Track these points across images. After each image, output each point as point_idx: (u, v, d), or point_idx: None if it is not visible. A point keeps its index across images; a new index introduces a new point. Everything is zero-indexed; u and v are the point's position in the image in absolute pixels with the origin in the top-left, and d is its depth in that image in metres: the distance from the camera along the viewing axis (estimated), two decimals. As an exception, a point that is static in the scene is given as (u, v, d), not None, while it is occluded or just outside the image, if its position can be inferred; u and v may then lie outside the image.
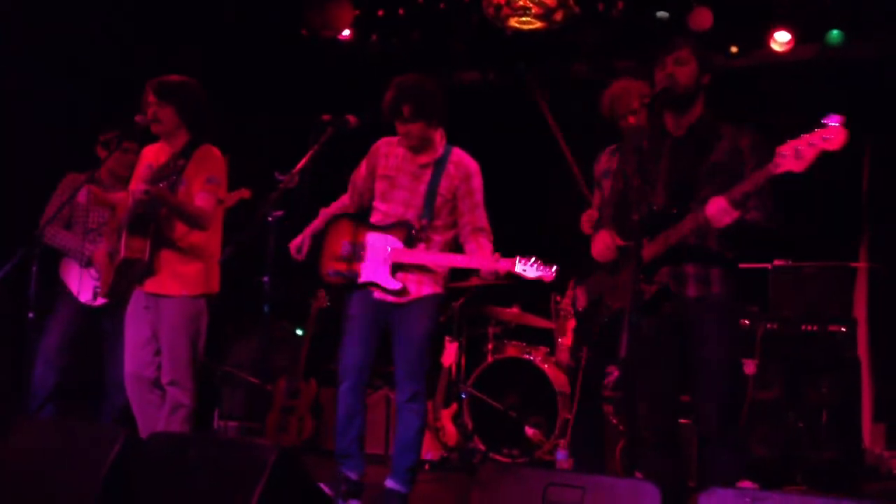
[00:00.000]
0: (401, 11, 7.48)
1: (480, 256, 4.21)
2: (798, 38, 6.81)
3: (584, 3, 6.82)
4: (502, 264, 4.12)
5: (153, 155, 4.50)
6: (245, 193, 5.47)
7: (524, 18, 6.69)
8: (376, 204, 4.43)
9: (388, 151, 4.43)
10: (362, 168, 4.52)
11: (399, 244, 4.28)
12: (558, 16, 6.65)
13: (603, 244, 3.63)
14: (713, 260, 3.46)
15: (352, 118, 4.32)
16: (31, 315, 4.22)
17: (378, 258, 4.30)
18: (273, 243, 4.12)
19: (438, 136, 4.38)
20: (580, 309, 3.91)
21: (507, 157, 7.63)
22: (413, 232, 4.28)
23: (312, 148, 4.21)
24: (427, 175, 4.33)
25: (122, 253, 4.24)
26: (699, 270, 3.46)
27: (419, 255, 4.25)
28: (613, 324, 3.61)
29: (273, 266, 4.60)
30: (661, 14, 6.97)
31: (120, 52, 6.07)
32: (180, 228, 4.35)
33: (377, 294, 4.30)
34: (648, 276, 3.46)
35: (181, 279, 4.36)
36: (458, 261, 4.29)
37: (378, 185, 4.42)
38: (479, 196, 4.36)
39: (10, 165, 5.62)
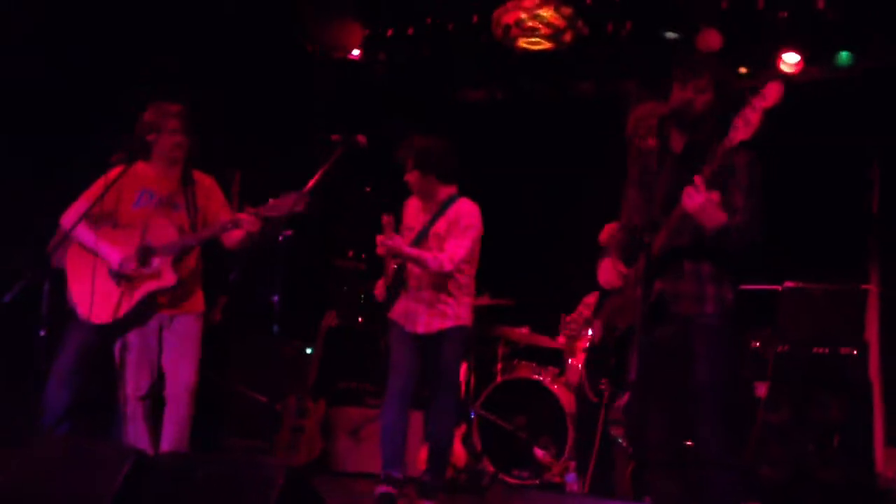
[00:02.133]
0: (409, 31, 7.51)
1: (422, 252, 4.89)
2: (807, 60, 6.82)
3: (592, 23, 6.84)
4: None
5: (152, 183, 4.48)
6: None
7: (533, 39, 6.72)
8: None
9: (412, 205, 5.19)
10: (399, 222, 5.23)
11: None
12: (567, 36, 6.67)
13: (607, 270, 3.69)
14: (708, 279, 3.47)
15: (361, 138, 4.36)
16: (42, 333, 4.22)
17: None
18: (283, 263, 4.13)
19: (442, 190, 5.05)
20: (596, 342, 3.91)
21: (513, 175, 7.66)
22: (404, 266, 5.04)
23: (322, 167, 4.23)
24: (428, 218, 5.05)
25: (172, 279, 4.32)
26: (695, 289, 3.47)
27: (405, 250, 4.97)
28: (623, 344, 3.61)
29: (283, 285, 4.64)
30: (671, 35, 6.98)
31: (129, 69, 6.09)
32: (197, 251, 4.51)
33: (408, 328, 5.03)
34: (646, 290, 3.45)
35: (197, 297, 4.51)
36: (411, 250, 4.93)
37: (404, 235, 5.07)
38: (462, 230, 4.95)
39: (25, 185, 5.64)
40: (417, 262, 4.86)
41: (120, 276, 4.39)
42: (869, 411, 5.54)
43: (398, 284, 5.02)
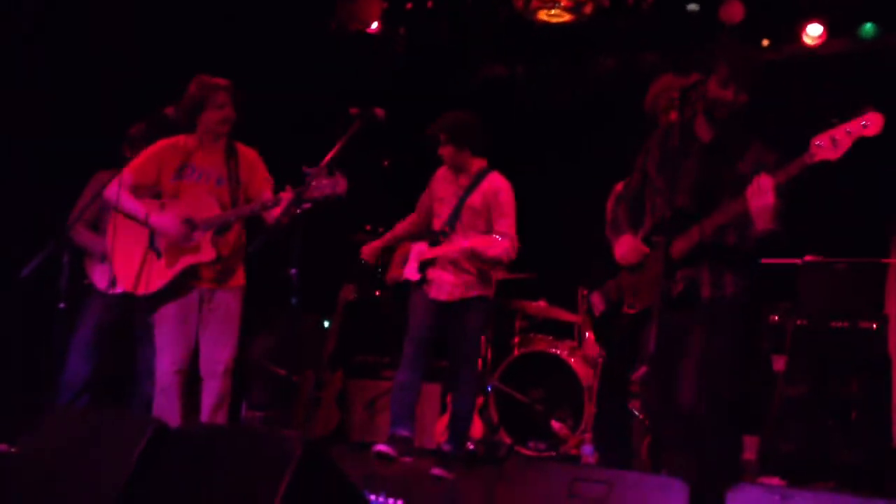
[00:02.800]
0: (429, 4, 7.47)
1: (477, 239, 5.02)
2: (830, 32, 6.74)
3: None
4: (466, 241, 5.05)
5: (197, 159, 4.47)
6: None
7: (553, 11, 6.66)
8: (434, 221, 5.29)
9: (442, 176, 5.32)
10: (426, 192, 5.39)
11: (424, 247, 5.21)
12: (588, 8, 6.61)
13: (627, 246, 3.66)
14: (729, 263, 3.49)
15: (379, 111, 4.33)
16: (61, 306, 4.25)
17: (413, 260, 5.24)
18: (301, 236, 4.13)
19: (475, 162, 5.21)
20: (597, 314, 3.92)
21: (532, 149, 7.63)
22: (437, 237, 5.18)
23: (340, 141, 4.22)
24: (462, 192, 5.16)
25: (212, 253, 4.34)
26: (714, 275, 3.49)
27: (435, 251, 5.13)
28: (638, 323, 3.62)
29: (301, 258, 4.61)
30: (692, 6, 6.91)
31: (147, 45, 6.10)
32: (243, 228, 4.54)
33: (433, 294, 5.13)
34: (670, 275, 3.47)
35: (238, 272, 4.51)
36: (463, 243, 5.04)
37: (435, 207, 5.30)
38: (506, 209, 5.09)
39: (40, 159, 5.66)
40: (475, 253, 4.98)
41: (161, 250, 4.41)
42: (887, 386, 5.51)
43: (429, 264, 5.15)
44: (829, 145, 3.09)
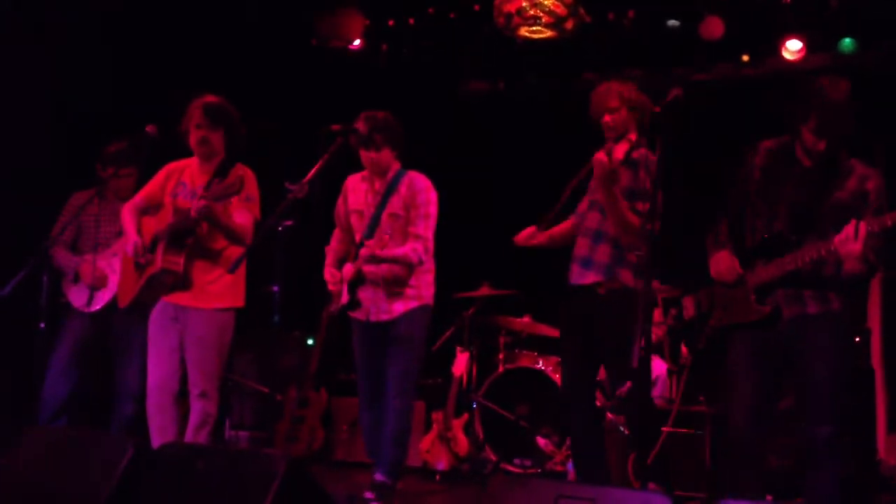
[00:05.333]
0: (411, 21, 7.49)
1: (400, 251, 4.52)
2: (810, 47, 6.79)
3: (594, 11, 6.82)
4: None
5: (187, 175, 4.50)
6: None
7: (535, 28, 6.69)
8: (354, 235, 4.74)
9: (353, 186, 4.78)
10: (340, 205, 4.81)
11: (349, 266, 4.62)
12: (569, 24, 6.64)
13: (724, 265, 3.73)
14: (829, 284, 3.57)
15: (361, 126, 4.33)
16: (41, 325, 4.22)
17: (344, 285, 4.65)
18: (283, 253, 4.12)
19: (393, 165, 4.71)
20: (686, 318, 3.97)
21: (515, 166, 7.64)
22: (356, 251, 4.58)
23: (322, 158, 4.22)
24: (380, 198, 4.67)
25: (160, 264, 4.29)
26: (817, 293, 3.57)
27: (355, 265, 4.57)
28: (719, 337, 3.75)
29: (283, 275, 4.61)
30: (673, 22, 6.96)
31: (126, 59, 6.09)
32: (219, 243, 4.44)
33: (371, 317, 4.61)
34: (761, 298, 3.60)
35: (212, 293, 4.42)
36: (386, 256, 4.53)
37: (352, 220, 4.74)
38: (424, 209, 4.64)
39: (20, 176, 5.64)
40: (398, 262, 4.56)
41: (140, 263, 4.43)
42: (871, 399, 5.53)
43: (357, 284, 4.63)
44: None
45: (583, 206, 4.55)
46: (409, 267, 4.59)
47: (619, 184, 4.18)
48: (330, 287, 4.64)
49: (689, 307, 3.95)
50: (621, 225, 4.20)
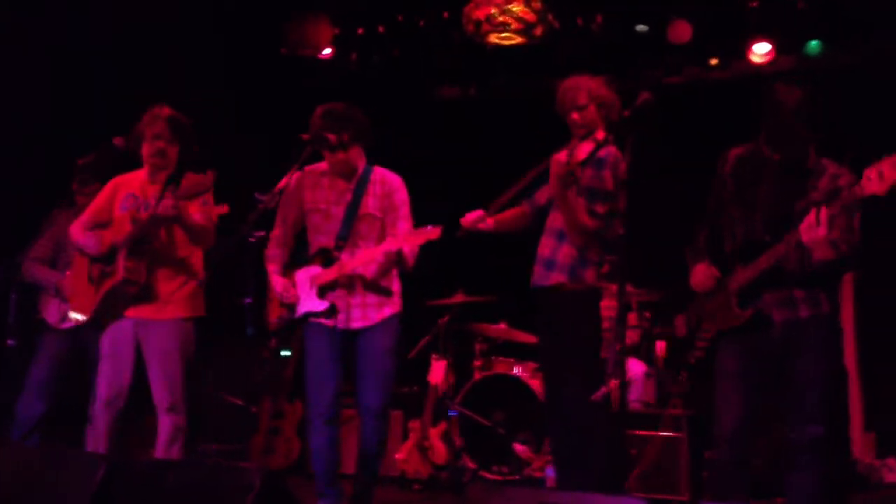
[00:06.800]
0: (380, 29, 7.48)
1: (384, 245, 4.21)
2: (777, 49, 6.85)
3: (563, 17, 6.84)
4: (393, 242, 4.19)
5: (137, 187, 4.45)
6: (223, 209, 5.44)
7: (504, 34, 6.70)
8: (310, 238, 4.48)
9: (314, 183, 4.46)
10: (291, 201, 4.48)
11: (318, 269, 4.35)
12: (538, 31, 6.66)
13: (702, 275, 3.75)
14: (817, 283, 3.58)
15: (332, 136, 4.30)
16: (10, 343, 4.17)
17: (306, 289, 4.37)
18: (254, 264, 4.08)
19: (360, 162, 4.44)
20: (679, 336, 3.99)
21: (488, 170, 7.63)
22: (329, 255, 4.35)
23: (292, 167, 4.19)
24: (348, 197, 4.39)
25: (121, 274, 4.24)
26: (807, 294, 3.58)
27: (337, 269, 4.31)
28: (711, 347, 3.75)
29: (255, 287, 4.54)
30: (641, 27, 7.00)
31: (100, 68, 6.04)
32: (180, 251, 4.39)
33: (340, 324, 4.34)
34: (744, 302, 3.61)
35: (175, 302, 4.38)
36: (368, 256, 4.27)
37: (311, 219, 4.46)
38: (403, 210, 4.43)
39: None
40: (401, 256, 4.27)
41: (93, 276, 4.40)
42: (845, 398, 5.56)
43: (329, 288, 4.36)
44: (876, 178, 3.18)
45: (542, 195, 4.48)
46: (388, 272, 4.40)
47: (577, 184, 4.16)
48: (283, 299, 4.38)
49: (680, 326, 3.97)
50: (574, 227, 4.19)
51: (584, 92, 4.34)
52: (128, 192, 4.45)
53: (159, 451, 4.28)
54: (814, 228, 3.32)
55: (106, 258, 4.36)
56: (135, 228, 4.28)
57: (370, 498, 4.45)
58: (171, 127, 4.38)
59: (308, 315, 4.36)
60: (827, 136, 3.63)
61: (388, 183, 4.44)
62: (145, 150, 4.40)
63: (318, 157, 4.39)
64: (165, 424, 4.30)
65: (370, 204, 4.39)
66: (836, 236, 3.39)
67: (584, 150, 4.22)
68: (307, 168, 4.46)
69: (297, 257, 4.50)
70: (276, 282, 4.40)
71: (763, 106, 3.64)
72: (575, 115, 4.35)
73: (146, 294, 4.31)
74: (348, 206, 4.37)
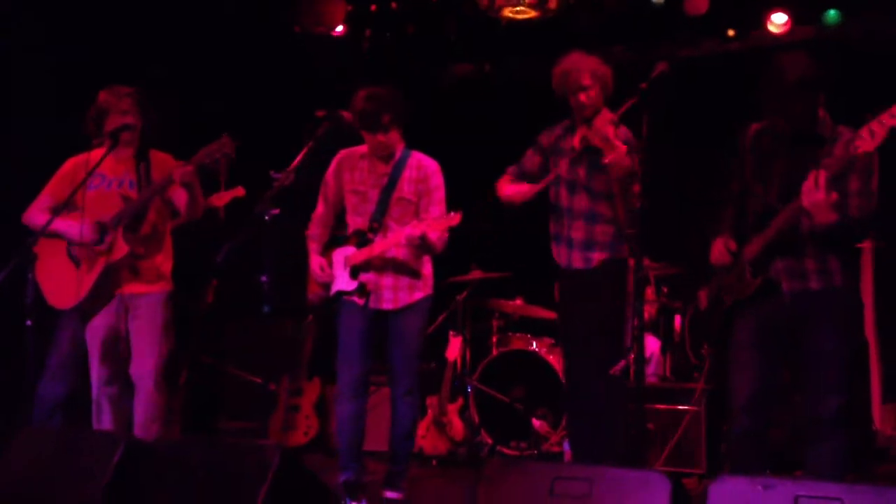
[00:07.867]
0: (394, 6, 7.44)
1: (407, 228, 4.26)
2: (795, 20, 6.77)
3: (577, -11, 6.79)
4: (416, 227, 4.23)
5: (104, 166, 4.39)
6: (240, 192, 5.44)
7: (518, 8, 6.66)
8: (348, 219, 4.55)
9: (350, 164, 4.54)
10: (330, 181, 4.58)
11: (352, 249, 4.44)
12: (552, 4, 6.60)
13: (718, 249, 3.76)
14: (831, 252, 3.55)
15: (346, 114, 4.30)
16: (28, 323, 4.17)
17: (340, 269, 4.46)
18: (271, 242, 4.08)
19: (399, 145, 4.51)
20: (701, 310, 4.00)
21: (500, 149, 7.59)
22: (364, 236, 4.43)
23: (307, 144, 4.19)
24: (384, 180, 4.46)
25: (125, 249, 4.26)
26: (819, 265, 3.55)
27: (368, 251, 4.39)
28: (729, 316, 3.75)
29: (273, 265, 4.57)
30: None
31: (105, 46, 6.02)
32: (163, 224, 4.45)
33: (371, 304, 4.43)
34: (756, 271, 3.61)
35: (161, 275, 4.44)
36: (394, 239, 4.34)
37: (349, 200, 4.53)
38: (437, 194, 4.49)
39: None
40: (425, 241, 4.29)
41: (79, 258, 4.37)
42: (866, 369, 5.53)
43: (362, 268, 4.45)
44: (867, 136, 3.20)
45: (562, 168, 4.51)
46: (420, 256, 4.49)
47: (608, 172, 4.24)
48: (318, 278, 4.50)
49: (702, 299, 3.98)
50: (629, 214, 4.28)
51: (587, 73, 4.34)
52: (93, 173, 4.35)
53: (138, 430, 4.27)
54: (812, 192, 3.31)
55: (96, 240, 4.33)
56: (129, 204, 4.29)
57: (405, 476, 4.51)
58: (139, 103, 4.39)
59: (340, 294, 4.45)
60: (842, 103, 3.58)
61: (423, 167, 4.49)
62: (112, 124, 4.38)
63: (333, 136, 4.37)
64: (147, 401, 4.31)
65: (405, 188, 4.45)
66: (835, 199, 3.34)
67: (611, 135, 4.17)
68: (343, 152, 4.55)
69: (337, 237, 4.61)
70: (314, 261, 4.51)
71: (762, 78, 3.60)
72: (582, 97, 4.35)
73: (135, 270, 4.35)
74: (384, 188, 4.43)
